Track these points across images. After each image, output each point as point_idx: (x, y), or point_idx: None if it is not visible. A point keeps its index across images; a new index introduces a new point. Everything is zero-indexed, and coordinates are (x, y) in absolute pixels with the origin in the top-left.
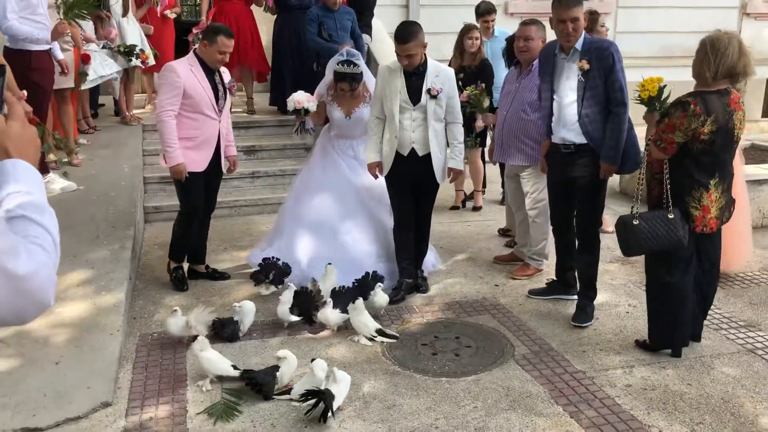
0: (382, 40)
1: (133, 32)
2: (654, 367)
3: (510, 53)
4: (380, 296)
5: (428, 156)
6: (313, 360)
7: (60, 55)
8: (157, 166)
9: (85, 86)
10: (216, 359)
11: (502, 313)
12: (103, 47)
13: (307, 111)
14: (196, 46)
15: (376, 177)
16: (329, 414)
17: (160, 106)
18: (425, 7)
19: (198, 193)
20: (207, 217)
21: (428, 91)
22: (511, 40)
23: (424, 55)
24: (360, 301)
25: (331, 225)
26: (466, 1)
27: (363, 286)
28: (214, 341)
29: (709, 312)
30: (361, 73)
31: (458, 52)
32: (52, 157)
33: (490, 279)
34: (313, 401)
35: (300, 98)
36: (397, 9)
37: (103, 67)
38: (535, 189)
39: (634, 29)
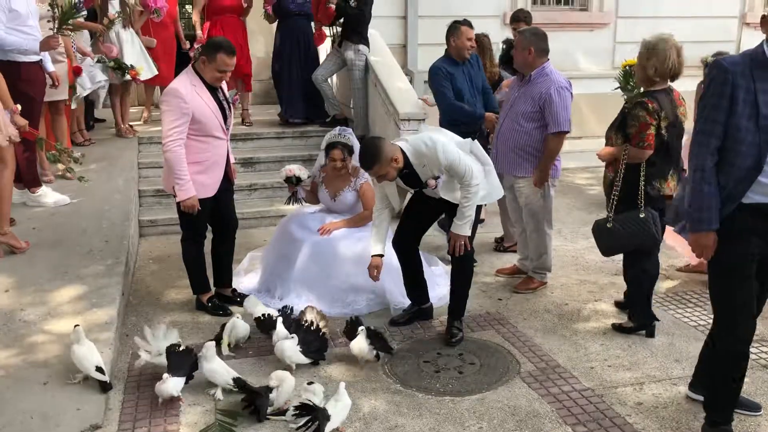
0: (380, 51)
1: (133, 48)
2: (665, 384)
3: (508, 59)
4: (289, 347)
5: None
6: (310, 383)
7: (51, 67)
8: (153, 178)
9: (73, 104)
10: (220, 370)
11: (506, 328)
12: (98, 61)
13: (299, 180)
14: (196, 60)
15: (375, 278)
16: None
17: (167, 136)
18: (424, 18)
19: (204, 219)
20: (231, 235)
21: (426, 185)
22: (509, 46)
23: (403, 158)
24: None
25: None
26: (465, 11)
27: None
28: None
29: None
30: (352, 146)
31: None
32: (60, 166)
33: (493, 293)
34: (305, 420)
35: (292, 167)
36: (396, 20)
37: (89, 81)
38: (528, 201)
39: (634, 39)
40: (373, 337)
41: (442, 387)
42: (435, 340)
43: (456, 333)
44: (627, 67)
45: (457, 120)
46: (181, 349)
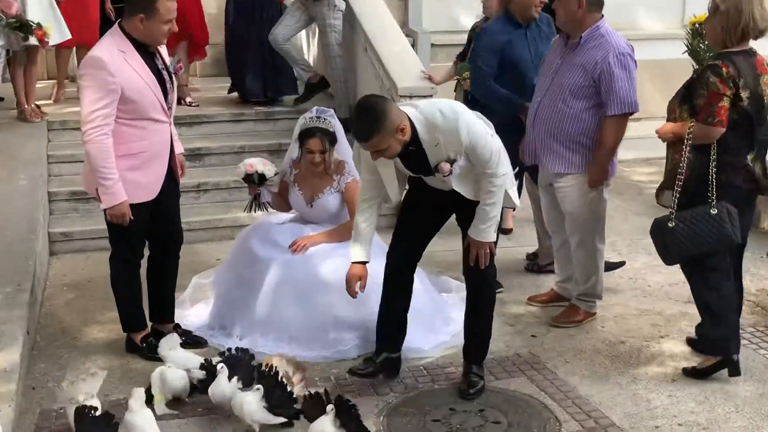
0: (371, 5)
1: (40, 4)
2: None
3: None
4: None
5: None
6: None
7: None
8: (68, 177)
9: None
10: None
11: (542, 374)
12: None
13: (262, 178)
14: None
15: (354, 294)
16: None
17: (88, 121)
18: None
19: (140, 231)
20: (174, 253)
21: (437, 169)
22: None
23: (410, 127)
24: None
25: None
26: None
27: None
28: None
29: None
30: (334, 133)
31: (483, 21)
32: None
33: (524, 327)
34: None
35: (253, 161)
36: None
37: None
38: (573, 208)
39: None
40: (345, 415)
41: None
42: (446, 392)
43: (476, 382)
44: (696, 25)
45: (490, 107)
46: (96, 413)
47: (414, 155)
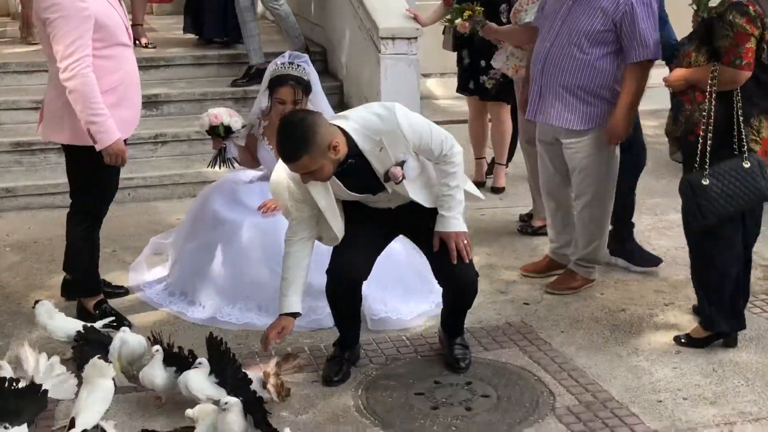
0: None
1: None
2: (764, 423)
3: None
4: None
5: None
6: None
7: None
8: (11, 126)
9: None
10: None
11: (535, 345)
12: None
13: (228, 130)
14: None
15: (266, 348)
16: None
17: (68, 56)
18: None
19: (117, 179)
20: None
21: (387, 178)
22: None
23: (347, 139)
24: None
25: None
26: None
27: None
28: None
29: None
30: (309, 82)
31: None
32: None
33: (516, 294)
34: None
35: (218, 111)
36: None
37: None
38: (586, 165)
39: None
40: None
41: (441, 430)
42: (431, 363)
43: (465, 355)
44: None
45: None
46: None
47: (356, 171)
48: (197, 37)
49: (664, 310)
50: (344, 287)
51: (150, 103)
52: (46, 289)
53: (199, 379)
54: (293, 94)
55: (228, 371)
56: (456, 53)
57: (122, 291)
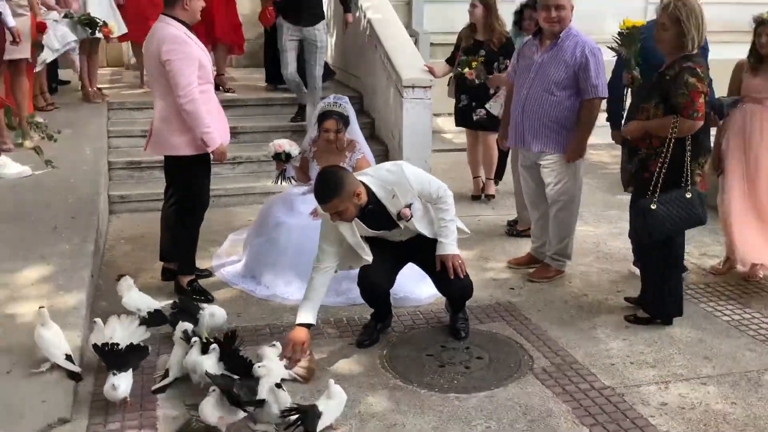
0: (380, 7)
1: (99, 2)
2: (693, 383)
3: (521, 21)
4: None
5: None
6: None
7: (11, 22)
8: (125, 149)
9: (39, 67)
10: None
11: (518, 320)
12: (65, 16)
13: (288, 156)
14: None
15: (294, 362)
16: None
17: (187, 84)
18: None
19: (208, 188)
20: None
21: (399, 217)
22: (524, 6)
23: (366, 191)
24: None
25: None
26: None
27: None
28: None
29: (756, 320)
30: (348, 117)
31: (468, 27)
32: (27, 144)
33: (504, 282)
34: (294, 418)
35: (281, 142)
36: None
37: (57, 41)
38: (559, 180)
39: None
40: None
41: (446, 383)
42: (439, 332)
43: (465, 326)
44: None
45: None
46: (120, 347)
47: (375, 213)
48: (269, 85)
49: (617, 296)
50: (376, 295)
51: (231, 133)
52: (149, 271)
53: (208, 364)
54: (336, 124)
55: (232, 359)
56: (455, 98)
57: (207, 273)
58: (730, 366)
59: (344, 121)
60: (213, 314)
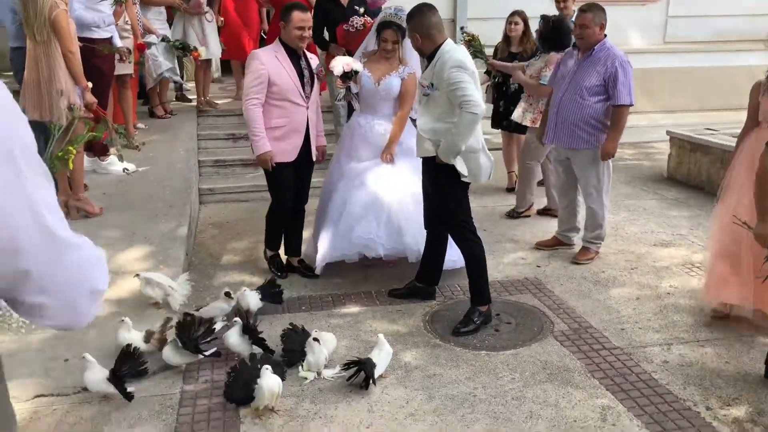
0: None
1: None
2: (692, 345)
3: (544, 36)
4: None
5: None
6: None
7: (119, 42)
8: (212, 149)
9: (151, 83)
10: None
11: (543, 292)
12: (162, 40)
13: (356, 72)
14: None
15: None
16: (371, 381)
17: (246, 94)
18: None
19: (287, 184)
20: (299, 208)
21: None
22: (547, 22)
23: (434, 45)
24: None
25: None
26: None
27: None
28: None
29: None
30: (405, 29)
31: (504, 40)
32: (113, 150)
33: (532, 260)
34: (354, 370)
35: (347, 60)
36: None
37: (154, 69)
38: (589, 173)
39: (688, 13)
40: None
41: (478, 342)
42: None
43: (466, 322)
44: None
45: None
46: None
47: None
48: None
49: (630, 273)
50: (426, 225)
51: (333, 134)
52: (234, 251)
53: (234, 336)
54: (395, 35)
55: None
56: (493, 104)
57: (314, 275)
58: (724, 331)
59: (402, 32)
60: (245, 297)
